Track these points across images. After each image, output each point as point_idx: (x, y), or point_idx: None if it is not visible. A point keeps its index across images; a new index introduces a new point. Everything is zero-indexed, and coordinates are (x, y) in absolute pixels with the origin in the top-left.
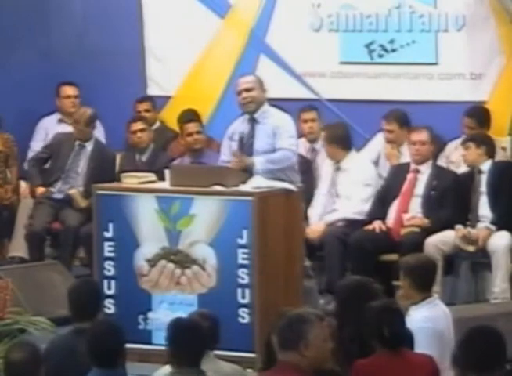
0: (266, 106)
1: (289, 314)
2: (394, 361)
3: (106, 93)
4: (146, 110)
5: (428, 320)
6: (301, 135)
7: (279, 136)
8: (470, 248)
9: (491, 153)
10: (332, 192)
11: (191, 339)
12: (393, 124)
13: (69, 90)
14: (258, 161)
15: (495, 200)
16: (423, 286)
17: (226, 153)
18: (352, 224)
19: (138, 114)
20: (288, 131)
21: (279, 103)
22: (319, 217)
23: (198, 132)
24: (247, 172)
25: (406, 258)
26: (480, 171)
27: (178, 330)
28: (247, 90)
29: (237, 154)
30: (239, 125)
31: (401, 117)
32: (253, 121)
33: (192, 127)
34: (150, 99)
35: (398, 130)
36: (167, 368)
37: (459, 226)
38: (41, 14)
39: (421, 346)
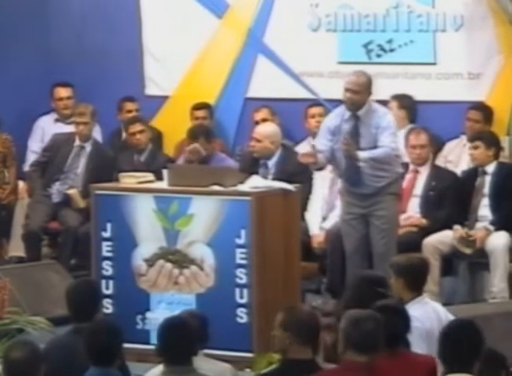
0: (369, 103)
1: (369, 315)
2: (392, 360)
3: (104, 93)
4: (137, 110)
5: (416, 320)
6: (307, 133)
7: (381, 133)
8: (467, 250)
9: (498, 154)
10: (333, 193)
11: (180, 337)
12: (393, 102)
13: (62, 92)
14: (362, 156)
15: (498, 201)
16: (414, 286)
17: (324, 143)
18: None
19: (135, 115)
20: (389, 129)
21: (277, 103)
22: (319, 223)
23: None
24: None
25: (398, 258)
26: (484, 172)
27: (167, 328)
28: (355, 92)
29: (347, 141)
30: (342, 121)
31: (404, 99)
32: (356, 119)
33: None
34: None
35: (396, 109)
36: (160, 368)
37: (457, 227)
38: (39, 14)
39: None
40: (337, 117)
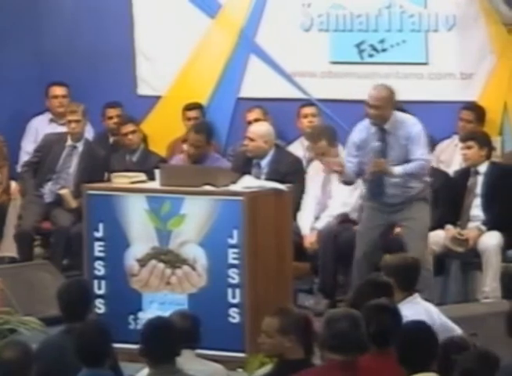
0: (394, 115)
1: (343, 314)
2: (381, 359)
3: (97, 93)
4: (118, 116)
5: (407, 320)
6: (299, 133)
7: (412, 145)
8: (460, 249)
9: (490, 154)
10: (325, 193)
11: (162, 338)
12: None
13: (57, 90)
14: (397, 171)
15: (491, 201)
16: (406, 285)
17: (350, 160)
18: (343, 220)
19: (127, 116)
20: (419, 140)
21: (269, 103)
22: (311, 223)
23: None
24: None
25: (389, 257)
26: (477, 173)
27: (149, 329)
28: (376, 107)
29: (378, 162)
30: (368, 134)
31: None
32: (383, 132)
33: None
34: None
35: None
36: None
37: (449, 226)
38: (32, 14)
39: None
40: (364, 130)
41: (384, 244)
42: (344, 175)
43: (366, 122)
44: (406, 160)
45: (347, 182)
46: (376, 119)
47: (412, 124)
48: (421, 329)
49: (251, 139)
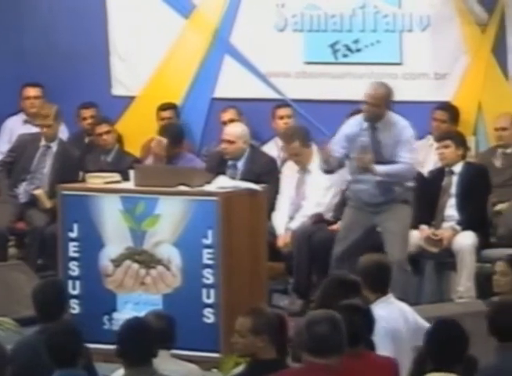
0: (388, 115)
1: (326, 316)
2: (351, 360)
3: (71, 93)
4: (92, 117)
5: (381, 319)
6: (274, 133)
7: (401, 148)
8: (434, 249)
9: (465, 154)
10: (299, 193)
11: (138, 339)
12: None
13: (30, 91)
14: (379, 170)
15: (465, 201)
16: (376, 286)
17: (338, 150)
18: (318, 220)
19: (101, 116)
20: (409, 144)
21: (243, 103)
22: (285, 224)
23: None
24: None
25: (361, 258)
26: (452, 172)
27: (125, 330)
28: (372, 105)
29: (363, 155)
30: (359, 130)
31: None
32: (374, 129)
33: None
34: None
35: None
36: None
37: (423, 226)
38: (9, 15)
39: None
40: (357, 125)
41: (366, 245)
42: (329, 163)
43: (360, 117)
44: (393, 161)
45: (329, 171)
46: (370, 116)
47: (403, 127)
48: (452, 329)
49: (230, 142)
